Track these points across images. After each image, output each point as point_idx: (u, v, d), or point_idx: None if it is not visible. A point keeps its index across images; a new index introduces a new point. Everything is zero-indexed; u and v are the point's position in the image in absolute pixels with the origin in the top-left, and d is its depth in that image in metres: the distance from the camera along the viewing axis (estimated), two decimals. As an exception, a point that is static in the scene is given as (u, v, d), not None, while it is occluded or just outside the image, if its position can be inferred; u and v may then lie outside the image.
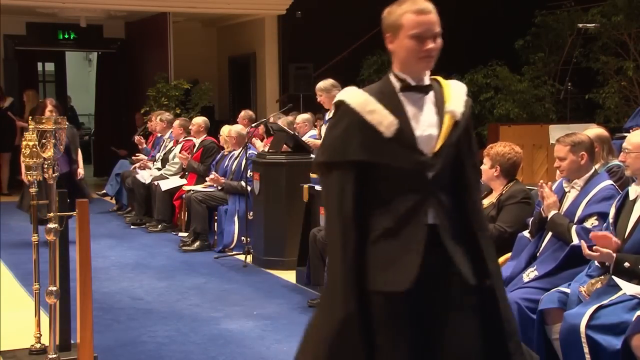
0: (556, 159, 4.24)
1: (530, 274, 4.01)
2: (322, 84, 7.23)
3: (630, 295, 3.46)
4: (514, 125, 10.85)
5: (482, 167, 4.75)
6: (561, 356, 3.66)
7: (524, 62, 12.48)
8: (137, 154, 10.37)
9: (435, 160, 2.49)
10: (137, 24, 13.85)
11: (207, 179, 8.25)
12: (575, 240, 3.94)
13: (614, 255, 3.56)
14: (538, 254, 4.15)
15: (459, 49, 13.06)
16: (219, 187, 8.04)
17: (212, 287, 6.45)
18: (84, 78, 19.23)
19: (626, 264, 3.54)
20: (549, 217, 4.10)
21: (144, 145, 10.48)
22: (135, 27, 14.01)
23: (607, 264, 3.62)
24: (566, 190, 4.22)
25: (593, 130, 4.98)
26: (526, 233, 4.32)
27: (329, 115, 7.37)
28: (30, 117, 4.40)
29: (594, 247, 3.61)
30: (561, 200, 4.19)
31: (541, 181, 4.26)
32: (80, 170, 7.93)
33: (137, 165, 9.90)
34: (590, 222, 3.98)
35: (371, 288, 2.44)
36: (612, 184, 4.12)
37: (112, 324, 5.37)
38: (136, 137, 10.76)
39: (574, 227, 3.99)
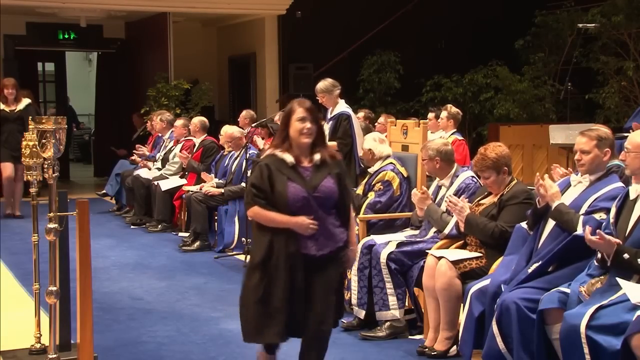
0: (577, 151, 4.13)
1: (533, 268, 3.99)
2: (323, 85, 7.21)
3: (636, 302, 3.44)
4: (514, 125, 10.86)
5: (490, 180, 4.66)
6: (561, 356, 3.66)
7: (524, 62, 12.49)
8: (137, 150, 10.20)
9: None
10: (137, 24, 13.84)
11: (207, 189, 8.10)
12: (580, 231, 3.91)
13: (615, 246, 3.55)
14: (538, 248, 4.12)
15: (459, 49, 13.15)
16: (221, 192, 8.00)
17: (212, 287, 6.45)
18: (84, 78, 19.24)
19: (625, 256, 3.53)
20: (554, 206, 4.05)
21: (147, 153, 10.14)
22: (135, 27, 14.01)
23: (606, 256, 3.60)
24: (572, 184, 4.19)
25: None
26: (524, 224, 4.31)
27: (330, 114, 7.39)
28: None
29: (598, 232, 3.58)
30: (562, 193, 4.16)
31: (537, 174, 4.23)
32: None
33: (136, 160, 9.88)
34: (599, 215, 3.94)
35: None
36: (623, 186, 4.05)
37: (112, 324, 5.37)
38: (135, 155, 10.14)
39: (581, 217, 3.96)
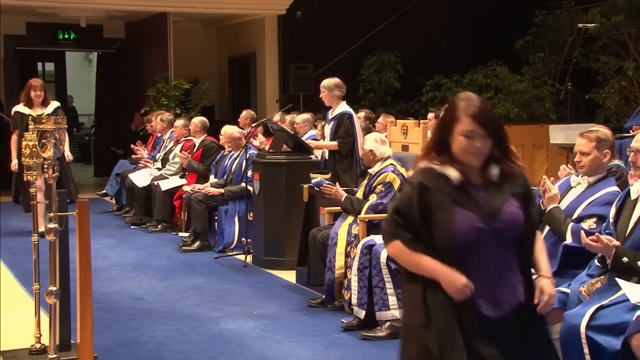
0: (577, 152, 4.13)
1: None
2: (327, 82, 7.37)
3: (636, 302, 3.43)
4: (514, 125, 10.86)
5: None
6: (561, 356, 3.66)
7: (524, 62, 12.50)
8: (136, 147, 10.21)
9: None
10: (137, 24, 13.85)
11: (207, 189, 8.07)
12: (569, 240, 3.93)
13: (614, 249, 3.55)
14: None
15: (459, 49, 13.15)
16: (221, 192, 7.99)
17: (212, 287, 6.45)
18: (84, 78, 19.25)
19: (625, 259, 3.53)
20: (548, 209, 4.08)
21: (146, 155, 10.08)
22: (135, 27, 14.02)
23: (606, 258, 3.61)
24: (572, 185, 4.20)
25: None
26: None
27: (331, 114, 7.43)
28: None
29: (596, 235, 3.59)
30: (564, 195, 4.16)
31: (544, 176, 4.24)
32: None
33: (137, 160, 9.87)
34: (588, 224, 3.95)
35: None
36: (618, 191, 4.06)
37: (112, 324, 5.37)
38: (135, 148, 10.20)
39: (570, 225, 3.97)
